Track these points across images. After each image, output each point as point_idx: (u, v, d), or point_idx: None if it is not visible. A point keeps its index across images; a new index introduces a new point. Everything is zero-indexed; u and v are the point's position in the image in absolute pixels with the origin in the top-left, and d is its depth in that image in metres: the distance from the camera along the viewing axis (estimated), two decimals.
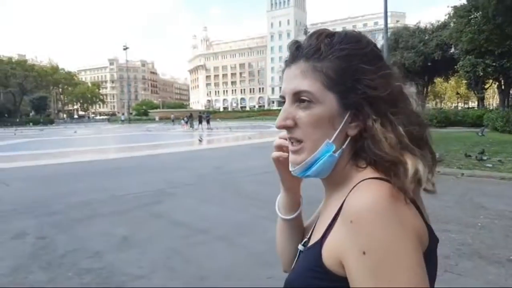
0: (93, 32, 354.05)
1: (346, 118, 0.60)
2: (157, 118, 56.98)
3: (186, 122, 36.79)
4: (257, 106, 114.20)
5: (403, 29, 40.70)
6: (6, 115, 65.83)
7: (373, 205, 0.52)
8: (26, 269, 3.33)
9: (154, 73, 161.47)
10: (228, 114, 75.79)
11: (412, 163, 0.56)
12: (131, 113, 73.99)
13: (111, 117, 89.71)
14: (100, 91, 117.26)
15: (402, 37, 37.41)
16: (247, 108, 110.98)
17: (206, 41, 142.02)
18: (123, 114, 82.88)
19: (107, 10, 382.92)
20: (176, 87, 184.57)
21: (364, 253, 0.50)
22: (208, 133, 26.46)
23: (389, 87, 0.59)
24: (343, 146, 0.62)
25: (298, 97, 0.62)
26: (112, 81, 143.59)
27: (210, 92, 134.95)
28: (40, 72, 78.74)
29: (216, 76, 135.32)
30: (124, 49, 64.50)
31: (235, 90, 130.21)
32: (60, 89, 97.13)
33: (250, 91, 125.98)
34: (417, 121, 0.60)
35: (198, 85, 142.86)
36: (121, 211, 5.35)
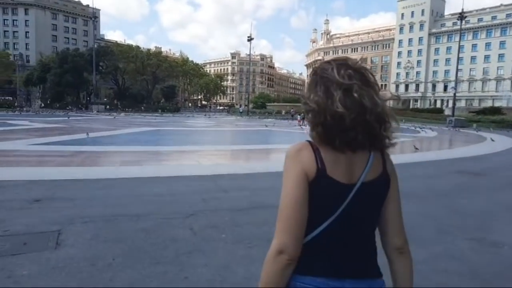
0: (221, 26, 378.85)
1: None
2: (283, 112, 54.22)
3: (303, 118, 32.69)
4: None
5: None
6: (140, 100, 71.24)
7: (287, 152, 1.07)
8: None
9: (271, 67, 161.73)
10: None
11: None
12: (247, 105, 72.87)
13: (230, 108, 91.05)
14: (222, 83, 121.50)
15: None
16: None
17: (326, 35, 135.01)
18: (240, 105, 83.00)
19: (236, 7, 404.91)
20: (291, 81, 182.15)
21: (283, 173, 1.07)
22: None
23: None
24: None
25: None
26: (233, 74, 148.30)
27: None
28: (172, 63, 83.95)
29: None
30: (248, 40, 63.17)
31: None
32: (188, 80, 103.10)
33: None
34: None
35: None
36: None
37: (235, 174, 7.79)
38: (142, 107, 62.36)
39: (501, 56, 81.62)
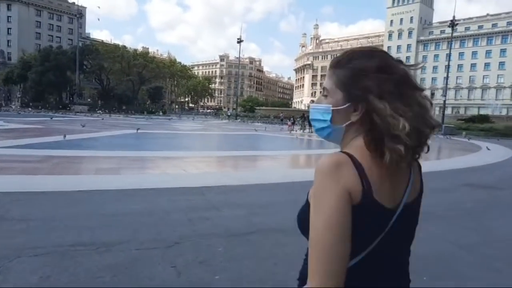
0: (210, 28, 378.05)
1: (346, 106, 0.88)
2: (272, 116, 53.33)
3: (293, 123, 32.18)
4: None
5: None
6: (125, 101, 69.36)
7: (320, 166, 0.82)
8: None
9: (260, 70, 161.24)
10: None
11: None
12: (234, 109, 71.96)
13: (218, 111, 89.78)
14: (210, 85, 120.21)
15: None
16: None
17: (315, 40, 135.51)
18: (228, 109, 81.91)
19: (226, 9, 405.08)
20: (280, 85, 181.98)
21: (313, 194, 0.83)
22: None
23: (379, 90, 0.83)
24: (343, 125, 0.89)
25: (323, 91, 0.94)
26: (221, 77, 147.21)
27: (314, 92, 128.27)
28: (159, 64, 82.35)
29: (323, 76, 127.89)
30: (238, 42, 62.32)
31: None
32: (175, 81, 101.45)
33: None
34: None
35: (303, 85, 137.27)
36: None
37: (226, 186, 6.86)
38: (124, 108, 60.49)
39: (487, 65, 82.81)
